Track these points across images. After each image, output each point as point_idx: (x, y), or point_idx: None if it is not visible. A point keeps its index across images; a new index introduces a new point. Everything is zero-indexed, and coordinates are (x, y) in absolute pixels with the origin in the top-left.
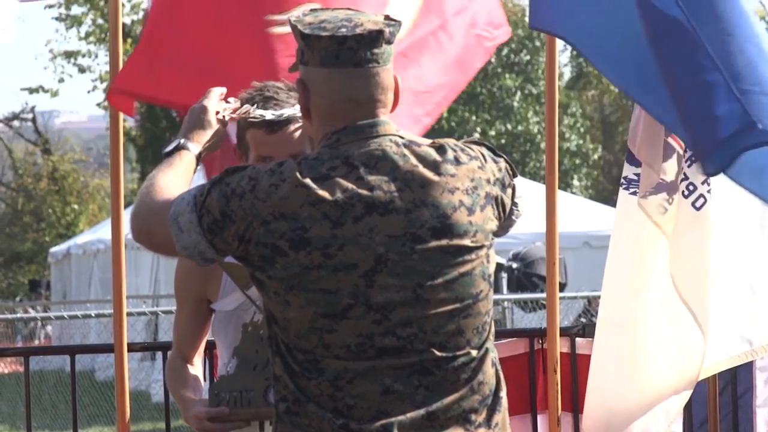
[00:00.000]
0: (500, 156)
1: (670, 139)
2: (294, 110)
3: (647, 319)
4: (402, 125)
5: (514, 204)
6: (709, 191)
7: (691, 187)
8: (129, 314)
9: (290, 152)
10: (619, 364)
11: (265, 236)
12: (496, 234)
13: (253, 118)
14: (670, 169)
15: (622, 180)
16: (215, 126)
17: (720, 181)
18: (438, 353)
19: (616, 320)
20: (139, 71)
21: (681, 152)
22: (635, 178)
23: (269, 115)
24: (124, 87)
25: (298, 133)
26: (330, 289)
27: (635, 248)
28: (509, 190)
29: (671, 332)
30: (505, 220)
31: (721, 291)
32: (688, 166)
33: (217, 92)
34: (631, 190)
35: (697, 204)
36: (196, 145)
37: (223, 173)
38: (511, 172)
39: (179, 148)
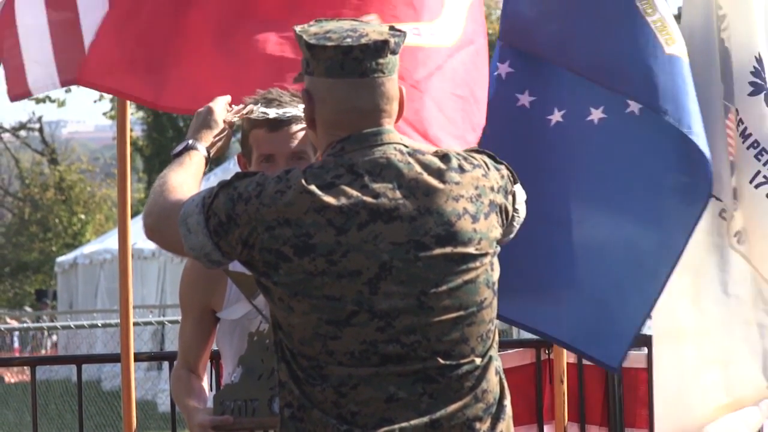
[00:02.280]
0: (501, 163)
1: None
2: (298, 110)
3: (726, 326)
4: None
5: (515, 210)
6: None
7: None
8: (135, 324)
9: (292, 151)
10: (697, 370)
11: (269, 242)
12: (499, 241)
13: (257, 116)
14: None
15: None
16: (221, 126)
17: None
18: (442, 361)
19: (687, 328)
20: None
21: None
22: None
23: (273, 113)
24: (90, 78)
25: (300, 132)
26: (334, 295)
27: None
28: (510, 197)
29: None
30: (507, 226)
31: None
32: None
33: (224, 99)
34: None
35: None
36: (205, 145)
37: (233, 177)
38: (512, 179)
39: (188, 148)
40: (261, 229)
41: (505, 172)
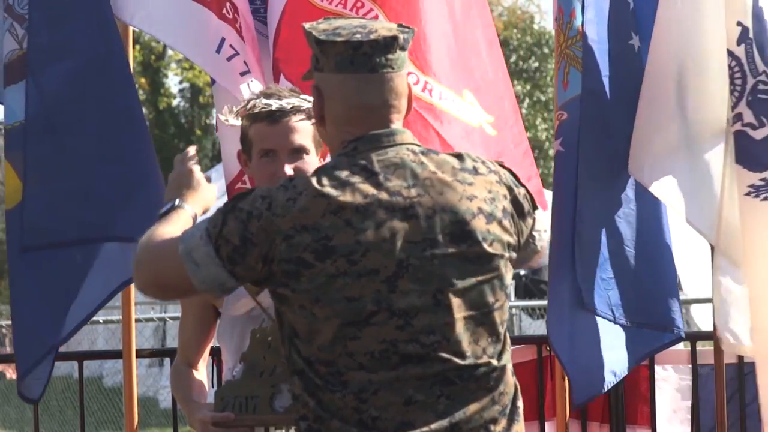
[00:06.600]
0: (522, 185)
1: None
2: (300, 101)
3: None
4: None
5: (531, 236)
6: None
7: None
8: (137, 320)
9: (292, 145)
10: None
11: (288, 251)
12: (514, 265)
13: (261, 108)
14: None
15: (749, 189)
16: (204, 185)
17: None
18: (459, 362)
19: None
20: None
21: None
22: (763, 183)
23: (275, 104)
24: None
25: (301, 124)
26: (354, 296)
27: None
28: (529, 220)
29: None
30: (522, 249)
31: None
32: None
33: (192, 151)
34: (762, 195)
35: None
36: (191, 206)
37: (231, 201)
38: (531, 203)
39: (175, 208)
40: (279, 241)
41: (523, 191)
